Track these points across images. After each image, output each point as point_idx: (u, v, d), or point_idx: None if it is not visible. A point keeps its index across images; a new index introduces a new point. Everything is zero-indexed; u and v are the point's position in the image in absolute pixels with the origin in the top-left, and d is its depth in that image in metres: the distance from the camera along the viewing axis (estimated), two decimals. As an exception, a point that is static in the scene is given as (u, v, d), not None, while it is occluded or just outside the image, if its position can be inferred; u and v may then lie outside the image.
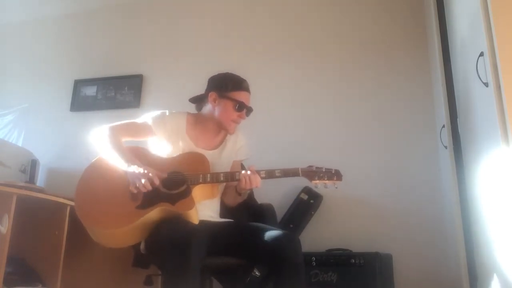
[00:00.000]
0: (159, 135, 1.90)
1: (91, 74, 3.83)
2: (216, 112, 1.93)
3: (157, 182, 1.68)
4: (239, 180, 1.75)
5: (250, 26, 3.58)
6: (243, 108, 1.92)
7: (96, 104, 3.74)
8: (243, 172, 1.76)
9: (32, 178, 3.35)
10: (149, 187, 1.66)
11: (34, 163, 3.40)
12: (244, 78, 1.99)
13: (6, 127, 3.91)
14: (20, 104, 3.92)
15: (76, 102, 3.80)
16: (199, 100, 2.04)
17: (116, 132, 1.86)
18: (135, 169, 1.69)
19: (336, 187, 1.78)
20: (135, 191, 1.67)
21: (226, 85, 1.93)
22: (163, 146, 1.90)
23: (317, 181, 1.77)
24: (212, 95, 1.94)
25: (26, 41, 4.21)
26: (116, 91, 3.72)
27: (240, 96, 1.92)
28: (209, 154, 1.88)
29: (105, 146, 1.81)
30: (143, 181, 1.65)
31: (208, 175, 1.76)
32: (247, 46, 3.50)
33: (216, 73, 2.01)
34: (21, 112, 3.90)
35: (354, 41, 3.27)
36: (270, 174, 1.77)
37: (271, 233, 1.70)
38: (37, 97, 3.92)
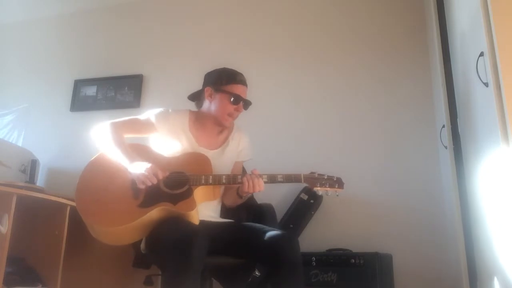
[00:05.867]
0: (161, 132, 1.89)
1: (91, 74, 3.83)
2: (212, 107, 1.92)
3: (161, 176, 1.68)
4: (241, 183, 1.73)
5: (250, 26, 3.58)
6: (239, 101, 1.89)
7: (96, 104, 3.74)
8: (246, 175, 1.74)
9: (32, 178, 3.34)
10: (155, 180, 1.66)
11: (34, 163, 3.40)
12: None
13: (6, 127, 3.90)
14: (20, 104, 3.92)
15: (76, 102, 3.80)
16: (197, 97, 2.04)
17: (118, 128, 1.85)
18: (138, 165, 1.69)
19: (337, 195, 1.77)
20: (143, 186, 1.66)
21: (220, 79, 1.92)
22: (165, 144, 1.89)
23: (319, 188, 1.75)
24: (208, 90, 1.94)
25: (26, 41, 4.21)
26: (116, 91, 3.72)
27: (235, 89, 1.89)
28: (210, 154, 1.87)
29: (107, 142, 1.80)
30: (147, 175, 1.65)
31: (210, 177, 1.74)
32: (247, 46, 3.50)
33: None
34: (21, 112, 3.90)
35: (354, 41, 3.27)
36: (272, 179, 1.75)
37: (269, 234, 1.70)
38: (37, 97, 3.93)
